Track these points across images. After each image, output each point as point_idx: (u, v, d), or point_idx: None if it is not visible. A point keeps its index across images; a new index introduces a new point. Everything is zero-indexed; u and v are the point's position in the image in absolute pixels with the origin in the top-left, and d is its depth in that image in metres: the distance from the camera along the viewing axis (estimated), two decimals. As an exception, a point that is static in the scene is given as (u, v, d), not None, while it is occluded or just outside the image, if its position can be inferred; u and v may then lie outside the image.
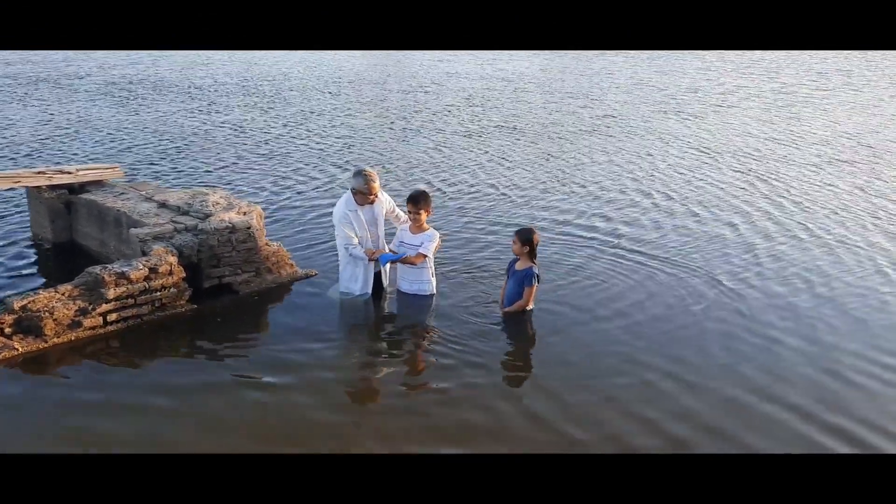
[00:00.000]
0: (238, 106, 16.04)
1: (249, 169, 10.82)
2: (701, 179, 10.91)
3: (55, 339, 5.27)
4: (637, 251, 7.66)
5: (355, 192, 5.96)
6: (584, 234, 8.27)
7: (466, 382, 5.01)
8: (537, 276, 5.83)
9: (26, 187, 7.36)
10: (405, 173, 10.91)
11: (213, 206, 6.56)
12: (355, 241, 5.97)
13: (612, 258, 7.44)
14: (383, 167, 11.06)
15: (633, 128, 15.31)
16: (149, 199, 6.94)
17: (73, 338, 5.34)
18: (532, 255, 5.84)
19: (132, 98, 16.56)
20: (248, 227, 6.31)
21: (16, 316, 5.25)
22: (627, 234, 8.27)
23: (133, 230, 6.15)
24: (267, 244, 6.52)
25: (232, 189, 9.51)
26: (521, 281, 5.83)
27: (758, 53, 30.45)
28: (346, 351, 5.60)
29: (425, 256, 6.05)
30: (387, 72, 24.47)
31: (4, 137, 12.26)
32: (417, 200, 6.01)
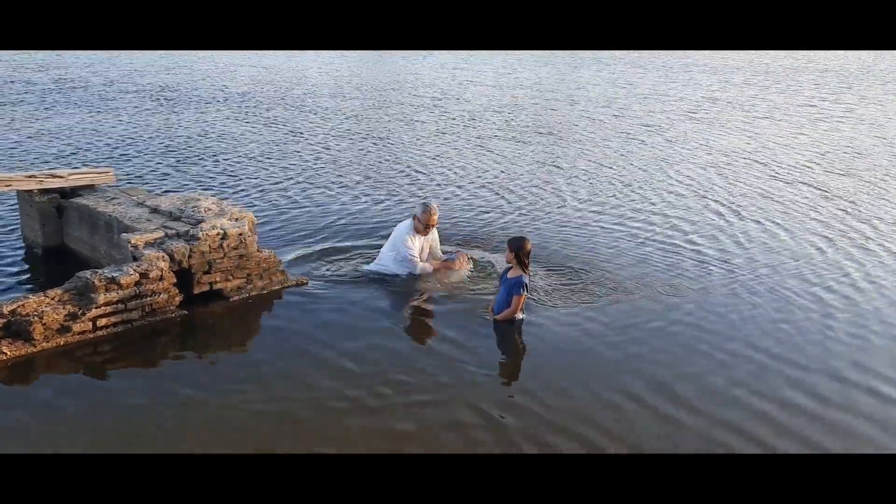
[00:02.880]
0: (234, 113, 16.06)
1: (243, 175, 10.83)
2: (765, 193, 10.97)
3: (44, 344, 5.26)
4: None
5: (416, 220, 6.87)
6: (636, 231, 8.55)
7: (449, 386, 5.06)
8: (525, 285, 5.87)
9: (17, 191, 7.34)
10: (429, 180, 11.01)
11: (205, 211, 6.56)
12: (418, 257, 6.88)
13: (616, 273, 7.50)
14: (389, 181, 11.10)
15: (670, 135, 15.43)
16: (141, 204, 6.94)
17: (62, 342, 5.33)
18: (522, 263, 5.87)
19: (126, 104, 16.55)
20: (240, 234, 6.32)
21: (4, 320, 5.24)
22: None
23: (124, 235, 6.14)
24: (258, 251, 6.52)
25: (224, 195, 9.53)
26: (511, 289, 5.87)
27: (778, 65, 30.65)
28: (336, 357, 5.60)
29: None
30: (387, 80, 24.56)
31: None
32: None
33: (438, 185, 10.91)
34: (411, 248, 6.84)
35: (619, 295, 6.79)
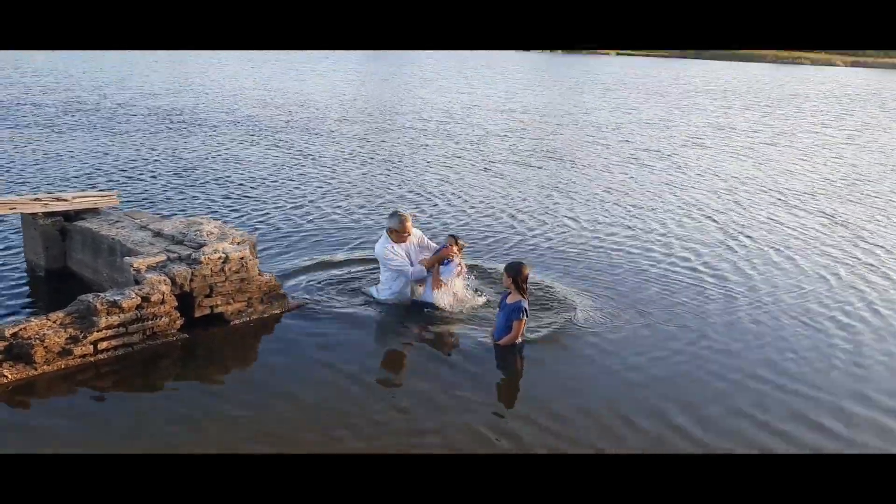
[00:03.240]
0: (241, 136, 16.20)
1: (248, 198, 10.89)
2: (776, 222, 11.00)
3: (45, 367, 5.27)
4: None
5: (391, 231, 6.79)
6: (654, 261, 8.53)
7: (450, 410, 5.04)
8: (525, 310, 5.88)
9: (21, 214, 7.39)
10: (448, 205, 11.06)
11: (208, 235, 6.60)
12: (407, 264, 6.80)
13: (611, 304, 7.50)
14: (393, 203, 11.15)
15: (673, 159, 15.51)
16: (144, 227, 6.98)
17: (62, 366, 5.34)
18: (519, 288, 5.88)
19: (134, 127, 16.70)
20: (242, 258, 6.35)
21: (6, 343, 5.26)
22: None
23: (127, 258, 6.17)
24: (260, 274, 6.55)
25: (229, 217, 9.58)
26: (510, 315, 5.87)
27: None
28: (336, 382, 5.59)
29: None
30: (392, 103, 24.77)
31: (2, 165, 12.33)
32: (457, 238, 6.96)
33: (446, 208, 10.96)
34: (394, 258, 6.78)
35: (625, 320, 6.80)
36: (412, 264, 6.90)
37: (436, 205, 11.17)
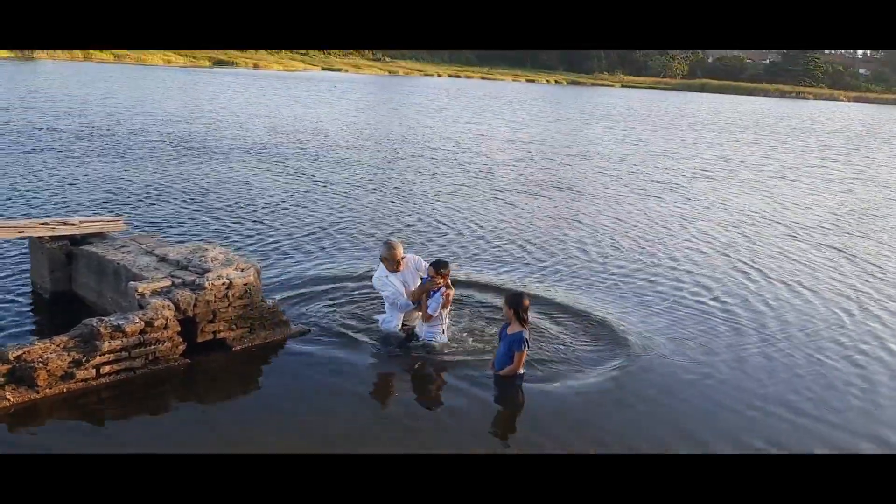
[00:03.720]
0: (252, 163, 16.36)
1: (256, 223, 10.96)
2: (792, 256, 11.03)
3: (47, 391, 5.29)
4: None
5: (383, 260, 6.77)
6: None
7: (452, 430, 5.03)
8: (526, 340, 5.89)
9: (29, 237, 7.46)
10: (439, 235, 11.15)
11: (212, 261, 6.65)
12: (403, 293, 6.74)
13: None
14: (402, 231, 11.22)
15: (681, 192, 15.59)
16: (149, 252, 7.03)
17: (64, 389, 5.36)
18: (520, 319, 5.90)
19: (147, 153, 16.86)
20: (245, 284, 6.39)
21: (10, 366, 5.29)
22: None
23: (131, 283, 6.22)
24: (263, 301, 6.58)
25: (235, 241, 9.63)
26: (511, 345, 5.89)
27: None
28: (336, 410, 5.59)
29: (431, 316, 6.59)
30: (403, 132, 24.97)
31: (13, 188, 12.44)
32: (439, 268, 6.62)
33: (455, 237, 11.02)
34: (387, 287, 6.75)
35: (633, 353, 6.78)
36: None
37: (445, 234, 11.21)
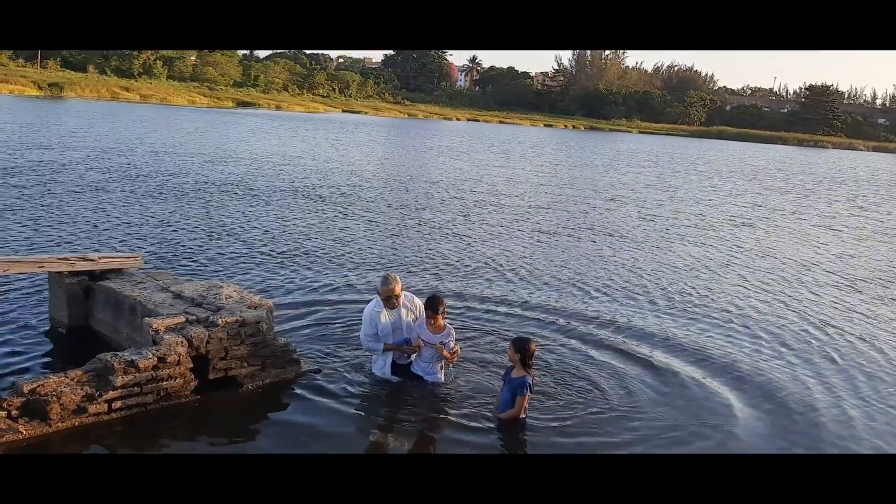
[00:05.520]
0: (276, 203, 16.58)
1: (266, 263, 11.07)
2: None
3: (59, 424, 5.35)
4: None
5: (380, 294, 6.60)
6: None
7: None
8: (530, 385, 5.90)
9: (49, 272, 7.60)
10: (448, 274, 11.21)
11: (226, 299, 6.74)
12: (381, 335, 6.59)
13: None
14: (407, 269, 11.31)
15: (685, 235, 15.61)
16: (165, 289, 7.14)
17: (77, 423, 5.42)
18: (525, 364, 5.91)
19: (179, 194, 17.16)
20: (258, 322, 6.46)
21: (24, 399, 5.36)
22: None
23: (146, 319, 6.31)
24: (275, 339, 6.65)
25: (247, 281, 9.72)
26: (514, 390, 5.90)
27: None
28: (343, 449, 5.60)
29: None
30: (431, 173, 25.26)
31: (35, 225, 12.70)
32: (437, 307, 6.47)
33: (498, 279, 11.07)
34: (366, 325, 6.61)
35: (680, 413, 6.59)
36: (404, 331, 6.67)
37: (485, 275, 11.25)
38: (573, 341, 8.27)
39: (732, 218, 20.33)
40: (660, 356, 8.00)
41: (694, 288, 11.45)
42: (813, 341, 9.07)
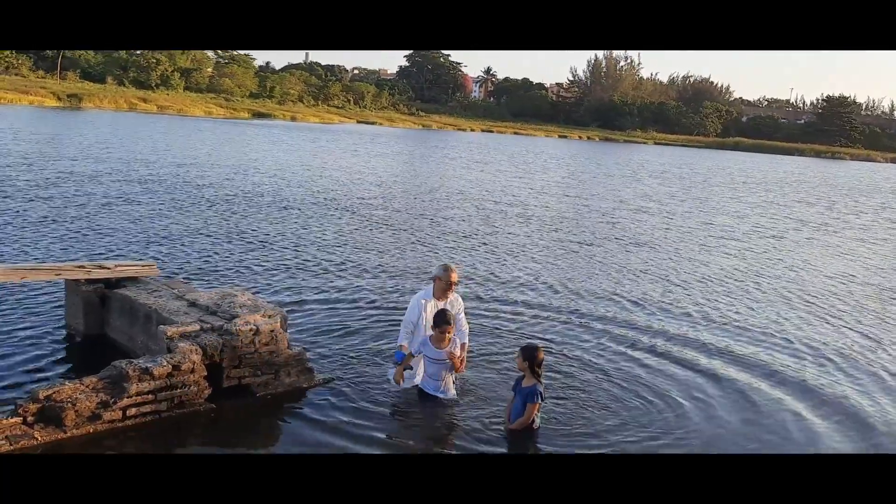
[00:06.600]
0: (279, 216, 16.63)
1: (281, 272, 11.10)
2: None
3: (74, 431, 5.38)
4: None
5: (436, 280, 6.72)
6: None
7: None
8: (540, 393, 5.88)
9: (66, 280, 7.66)
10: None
11: (240, 307, 6.76)
12: (409, 330, 6.65)
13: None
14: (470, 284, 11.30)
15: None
16: (180, 297, 7.18)
17: (91, 430, 5.45)
18: (534, 372, 5.89)
19: (183, 199, 17.29)
20: (272, 330, 6.48)
21: (40, 405, 5.40)
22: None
23: (161, 327, 6.35)
24: (288, 348, 6.65)
25: (262, 290, 9.76)
26: (525, 398, 5.87)
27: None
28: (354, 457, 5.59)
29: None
30: (433, 182, 25.27)
31: (51, 231, 12.82)
32: (443, 323, 6.40)
33: (530, 291, 11.04)
34: (412, 311, 6.67)
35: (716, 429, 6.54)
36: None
37: (519, 287, 11.22)
38: (612, 348, 8.40)
39: (760, 229, 20.26)
40: (707, 367, 8.05)
41: (731, 300, 11.41)
42: (859, 356, 8.98)
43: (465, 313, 7.07)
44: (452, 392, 6.61)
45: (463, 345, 6.83)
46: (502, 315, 9.58)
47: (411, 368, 6.66)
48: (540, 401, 5.89)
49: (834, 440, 6.50)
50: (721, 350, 8.77)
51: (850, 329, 10.19)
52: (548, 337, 8.75)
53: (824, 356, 8.86)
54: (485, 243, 14.81)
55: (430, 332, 6.55)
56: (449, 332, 6.39)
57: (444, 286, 6.72)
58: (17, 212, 13.98)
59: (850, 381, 8.02)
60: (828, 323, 10.51)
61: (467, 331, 7.00)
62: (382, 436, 6.05)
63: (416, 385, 6.70)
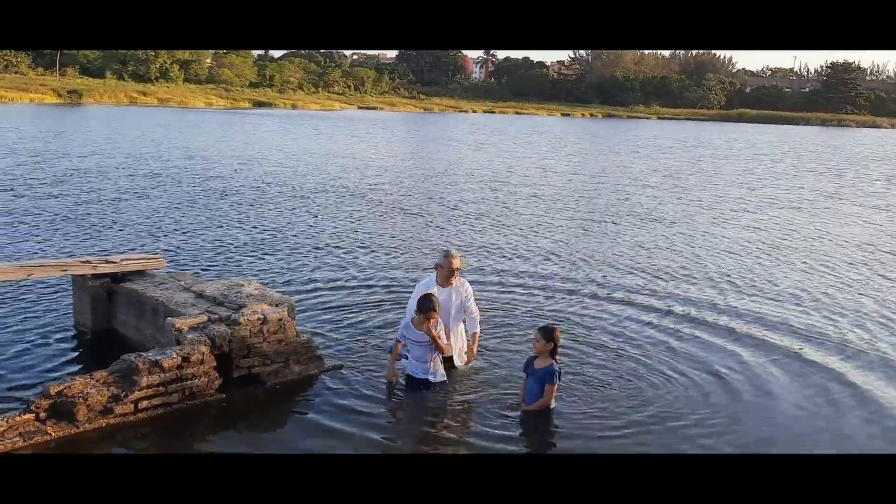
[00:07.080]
0: (287, 205, 16.60)
1: (287, 261, 11.09)
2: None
3: (86, 425, 5.39)
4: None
5: (438, 267, 6.72)
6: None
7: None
8: (558, 373, 5.84)
9: (72, 275, 7.66)
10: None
11: (247, 297, 6.75)
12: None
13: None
14: (484, 262, 11.26)
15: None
16: (187, 289, 7.17)
17: (103, 424, 5.45)
18: (554, 352, 5.86)
19: (188, 192, 17.28)
20: (280, 319, 6.46)
21: (51, 401, 5.40)
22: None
23: (169, 319, 6.34)
24: (297, 336, 6.64)
25: (272, 279, 9.74)
26: (543, 379, 5.83)
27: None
28: (366, 447, 5.57)
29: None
30: (441, 166, 25.21)
31: (63, 227, 12.83)
32: (426, 310, 6.23)
33: (559, 268, 11.03)
34: (412, 303, 6.51)
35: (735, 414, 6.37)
36: (445, 316, 6.53)
37: (535, 265, 11.19)
38: (631, 327, 8.39)
39: (774, 200, 20.16)
40: (733, 341, 8.02)
41: (755, 271, 11.38)
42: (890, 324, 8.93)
43: (476, 299, 6.96)
44: (442, 373, 6.44)
45: (474, 334, 6.81)
46: (519, 292, 9.61)
47: (407, 358, 6.57)
48: (559, 381, 5.86)
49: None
50: (747, 320, 8.75)
51: (877, 299, 10.10)
52: (569, 313, 8.77)
53: (862, 325, 8.81)
54: (498, 223, 14.79)
55: (445, 318, 6.51)
56: (432, 318, 6.23)
57: (446, 273, 6.69)
58: (29, 210, 14.01)
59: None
60: (860, 290, 10.44)
61: (478, 318, 6.90)
62: (393, 421, 6.04)
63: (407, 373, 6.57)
